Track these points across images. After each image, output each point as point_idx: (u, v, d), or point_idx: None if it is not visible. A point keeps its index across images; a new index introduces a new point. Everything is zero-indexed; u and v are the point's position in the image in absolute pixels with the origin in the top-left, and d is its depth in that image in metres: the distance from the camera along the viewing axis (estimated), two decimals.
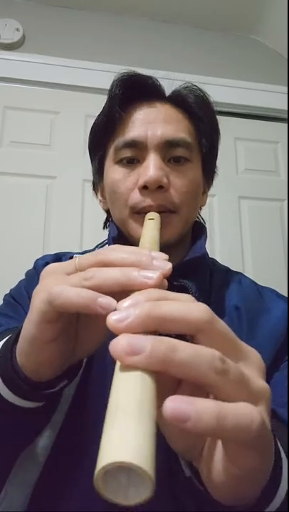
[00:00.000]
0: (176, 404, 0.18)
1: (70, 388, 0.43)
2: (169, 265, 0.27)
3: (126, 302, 0.23)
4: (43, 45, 1.54)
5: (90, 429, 0.42)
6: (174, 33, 1.69)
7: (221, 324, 0.23)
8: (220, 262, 0.62)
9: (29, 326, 0.29)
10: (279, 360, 0.46)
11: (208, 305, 0.51)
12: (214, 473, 0.23)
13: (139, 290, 0.25)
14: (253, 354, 0.25)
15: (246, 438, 0.20)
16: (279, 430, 0.30)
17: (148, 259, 0.27)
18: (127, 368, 0.20)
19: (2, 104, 1.44)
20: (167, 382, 0.23)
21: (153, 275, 0.25)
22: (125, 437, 0.16)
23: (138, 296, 0.23)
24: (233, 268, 0.61)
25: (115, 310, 0.23)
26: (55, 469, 0.41)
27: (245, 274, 0.60)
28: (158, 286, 0.25)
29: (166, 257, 0.29)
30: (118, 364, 0.21)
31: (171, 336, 0.21)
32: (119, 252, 0.29)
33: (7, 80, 1.46)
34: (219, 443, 0.23)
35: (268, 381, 0.24)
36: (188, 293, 0.46)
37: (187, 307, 0.22)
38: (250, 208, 1.55)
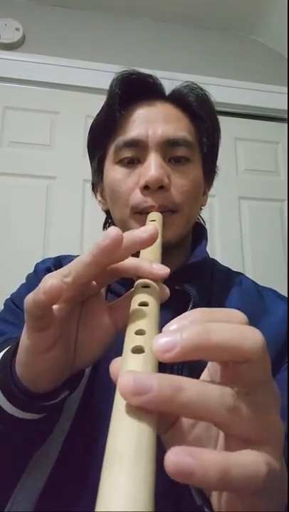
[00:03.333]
0: (178, 458, 0.17)
1: (76, 395, 0.42)
2: (167, 270, 0.27)
3: (173, 325, 0.21)
4: (43, 45, 1.54)
5: (96, 436, 0.41)
6: (174, 33, 1.69)
7: (268, 357, 0.21)
8: (220, 262, 0.62)
9: (24, 336, 0.29)
10: (280, 362, 0.45)
11: (209, 307, 0.51)
12: (223, 505, 0.22)
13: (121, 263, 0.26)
14: (274, 389, 0.23)
15: (252, 489, 0.19)
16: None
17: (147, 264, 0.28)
18: (124, 405, 0.18)
19: (2, 104, 1.44)
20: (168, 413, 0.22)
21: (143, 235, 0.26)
22: (120, 485, 0.16)
23: (183, 320, 0.21)
24: (233, 268, 0.61)
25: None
26: (61, 478, 0.40)
27: (245, 274, 0.60)
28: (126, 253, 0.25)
29: (167, 270, 0.29)
30: (118, 394, 0.19)
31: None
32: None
33: (7, 80, 1.46)
34: None
35: None
36: (189, 297, 0.46)
37: (241, 334, 0.20)
38: (250, 208, 1.55)
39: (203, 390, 0.19)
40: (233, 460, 0.18)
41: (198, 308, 0.22)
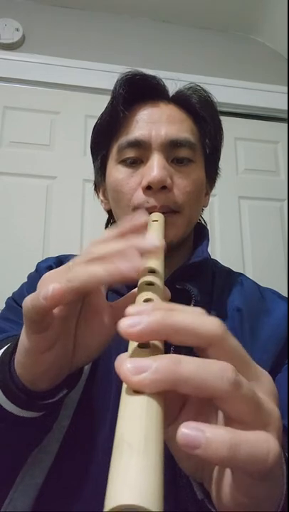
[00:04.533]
0: (187, 430, 0.18)
1: (76, 392, 0.42)
2: (157, 242, 0.28)
3: (135, 308, 0.22)
4: (42, 45, 1.54)
5: (95, 433, 0.42)
6: (174, 33, 1.69)
7: (234, 340, 0.22)
8: (220, 262, 0.62)
9: (23, 337, 0.29)
10: (280, 362, 0.46)
11: (210, 307, 0.51)
12: (223, 497, 0.22)
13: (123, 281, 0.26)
14: (266, 377, 0.23)
15: (261, 470, 0.19)
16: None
17: (133, 244, 0.28)
18: (133, 392, 0.19)
19: (2, 104, 1.44)
20: (172, 402, 0.22)
21: (133, 263, 0.26)
22: (132, 477, 0.16)
23: (148, 305, 0.23)
24: (233, 268, 0.61)
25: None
26: (60, 474, 0.41)
27: (245, 274, 0.60)
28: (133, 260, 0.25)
29: (158, 242, 0.29)
30: (124, 387, 0.20)
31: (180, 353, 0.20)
32: (103, 246, 0.29)
33: (7, 80, 1.46)
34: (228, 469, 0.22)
35: None
36: (191, 296, 0.46)
37: (200, 319, 0.21)
38: (250, 207, 1.55)
39: (204, 364, 0.20)
40: (243, 436, 0.19)
41: (159, 301, 0.24)
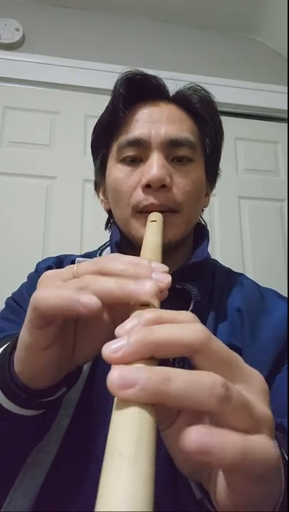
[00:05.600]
0: (199, 437, 0.18)
1: (76, 392, 0.42)
2: (168, 278, 0.27)
3: (121, 329, 0.22)
4: (42, 45, 1.54)
5: (95, 432, 0.42)
6: (174, 33, 1.69)
7: (218, 344, 0.22)
8: (220, 262, 0.62)
9: (24, 333, 0.29)
10: (281, 362, 0.46)
11: (210, 307, 0.50)
12: (222, 497, 0.23)
13: (133, 298, 0.25)
14: (256, 376, 0.24)
15: (265, 473, 0.19)
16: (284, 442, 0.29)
17: (147, 271, 0.27)
18: (123, 401, 0.19)
19: (2, 104, 1.44)
20: (167, 408, 0.22)
21: (150, 289, 0.25)
22: (121, 484, 0.16)
23: (133, 320, 0.23)
24: (233, 268, 0.61)
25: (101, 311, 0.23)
26: (60, 474, 0.41)
27: (245, 274, 0.60)
28: (152, 294, 0.25)
29: (166, 268, 0.28)
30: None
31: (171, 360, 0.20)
32: (118, 262, 0.28)
33: (7, 80, 1.46)
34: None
35: (270, 383, 0.24)
36: (191, 296, 0.46)
37: (180, 329, 0.21)
38: (250, 207, 1.55)
39: (192, 380, 0.19)
40: (254, 442, 0.19)
41: (150, 309, 0.24)
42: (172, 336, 0.21)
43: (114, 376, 0.19)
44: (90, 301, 0.25)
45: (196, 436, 0.18)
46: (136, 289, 0.25)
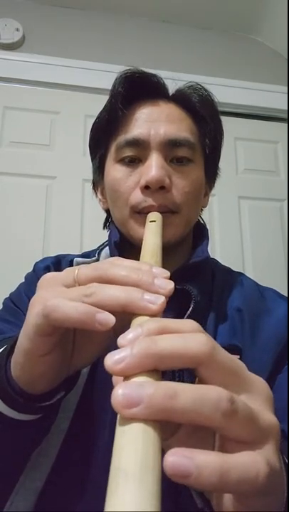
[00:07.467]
0: (176, 459, 0.17)
1: (75, 394, 0.42)
2: (171, 285, 0.27)
3: (124, 339, 0.22)
4: (43, 45, 1.54)
5: (95, 435, 0.41)
6: (174, 33, 1.69)
7: (223, 354, 0.22)
8: (220, 262, 0.62)
9: (24, 338, 0.29)
10: (281, 362, 0.45)
11: (210, 308, 0.50)
12: (223, 507, 0.22)
13: (139, 312, 0.25)
14: (260, 384, 0.23)
15: (251, 490, 0.19)
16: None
17: (149, 277, 0.27)
18: (127, 419, 0.18)
19: (2, 104, 1.44)
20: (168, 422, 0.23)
21: (156, 300, 0.25)
22: (127, 505, 0.15)
23: (136, 329, 0.22)
24: (233, 268, 0.61)
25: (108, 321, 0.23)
26: (60, 477, 0.40)
27: (245, 274, 0.60)
28: (160, 311, 0.25)
29: (168, 274, 0.28)
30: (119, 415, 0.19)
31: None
32: (120, 268, 0.28)
33: (7, 80, 1.46)
34: None
35: (270, 383, 0.24)
36: (190, 296, 0.46)
37: (184, 341, 0.21)
38: (250, 207, 1.55)
39: (198, 395, 0.19)
40: (232, 461, 0.19)
41: (153, 318, 0.24)
42: (176, 348, 0.21)
43: (118, 394, 0.19)
44: (106, 317, 0.25)
45: (172, 460, 0.17)
46: (143, 300, 0.25)
